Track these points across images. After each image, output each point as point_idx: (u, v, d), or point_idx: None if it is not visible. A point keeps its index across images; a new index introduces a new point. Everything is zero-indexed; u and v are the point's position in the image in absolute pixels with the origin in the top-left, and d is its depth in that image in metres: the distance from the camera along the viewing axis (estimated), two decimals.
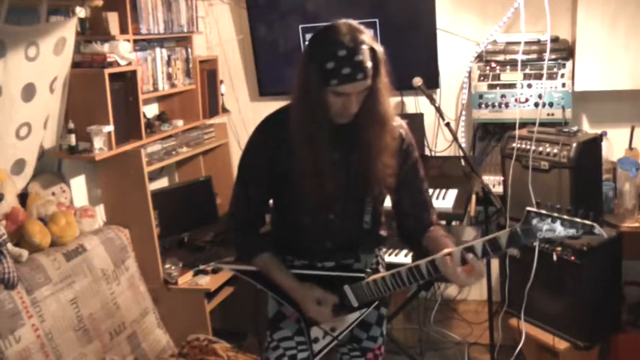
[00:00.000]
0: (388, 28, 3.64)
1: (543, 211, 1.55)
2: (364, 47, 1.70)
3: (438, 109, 2.99)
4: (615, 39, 3.24)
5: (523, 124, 3.23)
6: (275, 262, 1.98)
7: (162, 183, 3.83)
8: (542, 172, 2.98)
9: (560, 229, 1.52)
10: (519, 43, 3.34)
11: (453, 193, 3.25)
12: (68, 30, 2.72)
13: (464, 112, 3.80)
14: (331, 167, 1.84)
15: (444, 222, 3.19)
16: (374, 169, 1.84)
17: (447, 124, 2.96)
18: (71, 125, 2.85)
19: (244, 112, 4.22)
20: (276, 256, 2.00)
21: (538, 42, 3.38)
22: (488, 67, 3.51)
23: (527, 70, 3.42)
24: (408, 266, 1.78)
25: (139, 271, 3.07)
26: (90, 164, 3.11)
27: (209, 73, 3.70)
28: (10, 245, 2.47)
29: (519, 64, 3.35)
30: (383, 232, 2.09)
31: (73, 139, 2.85)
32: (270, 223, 2.13)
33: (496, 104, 3.49)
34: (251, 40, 3.98)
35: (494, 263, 3.42)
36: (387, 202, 2.04)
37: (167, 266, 3.21)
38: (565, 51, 3.38)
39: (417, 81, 3.08)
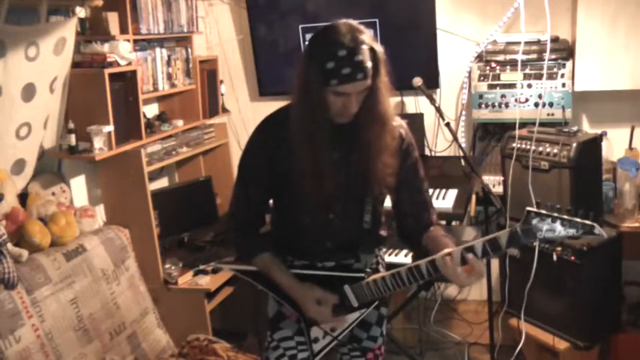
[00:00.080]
0: (388, 28, 3.64)
1: (543, 211, 1.55)
2: (364, 47, 1.70)
3: (438, 109, 2.99)
4: (615, 39, 3.24)
5: (523, 124, 3.23)
6: (275, 262, 1.98)
7: (163, 183, 3.83)
8: (542, 172, 2.98)
9: (560, 229, 1.52)
10: (519, 43, 3.34)
11: (453, 193, 3.25)
12: (68, 30, 2.72)
13: (464, 112, 3.80)
14: (331, 167, 1.84)
15: (443, 222, 3.19)
16: (374, 169, 1.84)
17: (447, 124, 2.96)
18: (71, 125, 2.85)
19: (244, 112, 4.22)
20: (276, 256, 2.00)
21: (538, 42, 3.38)
22: (488, 67, 3.51)
23: (527, 70, 3.42)
24: (408, 266, 1.78)
25: (139, 271, 3.07)
26: (90, 164, 3.11)
27: (209, 73, 3.70)
28: (10, 245, 2.47)
29: (519, 64, 3.35)
30: (383, 232, 2.09)
31: (73, 139, 2.85)
32: (270, 223, 2.13)
33: (496, 104, 3.49)
34: (251, 40, 3.99)
35: (494, 263, 3.42)
36: (387, 202, 2.04)
37: (167, 266, 3.21)
38: (565, 51, 3.38)
39: (417, 81, 3.08)
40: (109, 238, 2.96)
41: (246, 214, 2.03)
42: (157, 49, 3.32)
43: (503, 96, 3.47)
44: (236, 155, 3.90)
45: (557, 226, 1.53)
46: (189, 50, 3.58)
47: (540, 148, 2.98)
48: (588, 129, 3.60)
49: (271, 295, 2.06)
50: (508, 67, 3.46)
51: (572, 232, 1.51)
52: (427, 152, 3.77)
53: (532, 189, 2.95)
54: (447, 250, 1.71)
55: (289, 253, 2.04)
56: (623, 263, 3.08)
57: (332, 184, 1.85)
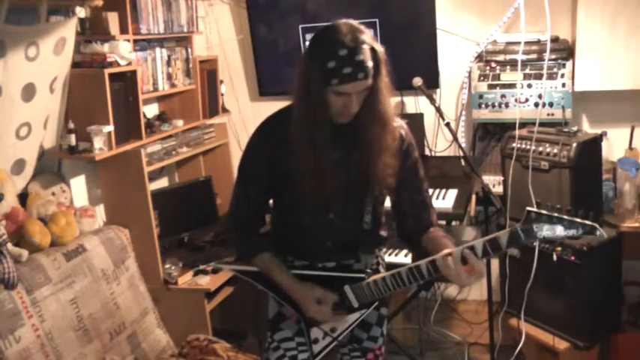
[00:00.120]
0: (388, 28, 3.64)
1: (544, 212, 1.55)
2: (365, 47, 1.70)
3: (438, 109, 3.00)
4: (615, 39, 3.24)
5: (523, 124, 3.23)
6: (275, 262, 1.98)
7: (163, 183, 3.82)
8: (542, 172, 2.98)
9: (560, 230, 1.52)
10: (519, 43, 3.34)
11: (453, 193, 3.25)
12: (68, 30, 2.72)
13: (464, 112, 3.80)
14: (332, 167, 1.84)
15: (443, 222, 3.19)
16: (374, 169, 1.84)
17: (447, 124, 2.96)
18: (71, 125, 2.85)
19: (244, 112, 4.22)
20: (276, 256, 2.00)
21: (538, 42, 3.38)
22: (488, 67, 3.51)
23: (527, 70, 3.42)
24: (408, 266, 1.78)
25: (139, 271, 3.07)
26: (90, 164, 3.11)
27: (209, 73, 3.70)
28: (10, 245, 2.47)
29: (519, 64, 3.35)
30: (383, 233, 2.09)
31: (73, 139, 2.85)
32: (270, 223, 2.13)
33: (496, 104, 3.49)
34: (251, 40, 3.98)
35: (494, 263, 3.42)
36: (388, 203, 2.04)
37: (167, 266, 3.21)
38: (565, 51, 3.38)
39: (417, 81, 3.08)
40: (109, 238, 2.96)
41: (246, 214, 2.03)
42: (157, 49, 3.32)
43: (503, 96, 3.47)
44: (236, 155, 3.90)
45: (558, 226, 1.53)
46: (189, 50, 3.58)
47: (540, 148, 2.98)
48: (588, 129, 3.60)
49: (271, 295, 2.06)
50: (508, 67, 3.47)
51: (572, 232, 1.51)
52: (427, 152, 3.77)
53: (532, 189, 2.95)
54: (447, 251, 1.71)
55: (289, 253, 2.04)
56: (623, 263, 3.08)
57: (332, 183, 1.85)
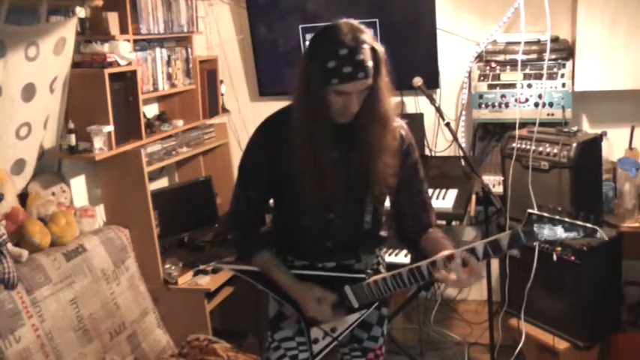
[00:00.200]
0: (388, 28, 3.64)
1: (545, 214, 1.55)
2: (365, 46, 1.71)
3: (438, 109, 2.99)
4: (615, 39, 3.24)
5: (523, 124, 3.23)
6: (275, 262, 1.98)
7: (163, 183, 3.82)
8: (542, 172, 2.98)
9: (561, 232, 1.52)
10: (519, 43, 3.34)
11: (453, 193, 3.25)
12: (68, 30, 2.72)
13: (464, 112, 3.80)
14: (331, 167, 1.84)
15: (443, 222, 3.20)
16: (375, 169, 1.84)
17: (447, 124, 2.96)
18: (71, 125, 2.85)
19: (244, 112, 4.22)
20: (276, 256, 2.00)
21: (538, 42, 3.38)
22: (488, 67, 3.51)
23: (527, 70, 3.42)
24: (408, 267, 1.78)
25: (139, 271, 3.07)
26: (90, 164, 3.11)
27: (209, 73, 3.70)
28: (10, 245, 2.47)
29: (519, 64, 3.35)
30: (383, 233, 2.09)
31: (73, 139, 2.85)
32: (270, 223, 2.13)
33: (496, 104, 3.49)
34: (251, 40, 3.98)
35: (495, 263, 3.42)
36: (387, 203, 2.04)
37: (167, 266, 3.21)
38: (565, 51, 3.38)
39: (417, 81, 3.08)
40: (109, 238, 2.96)
41: (246, 214, 2.03)
42: (157, 49, 3.32)
43: (503, 96, 3.47)
44: (236, 155, 3.90)
45: (559, 228, 1.53)
46: (189, 50, 3.58)
47: (540, 148, 2.98)
48: (588, 129, 3.60)
49: (271, 295, 2.06)
50: (508, 67, 3.47)
51: (573, 235, 1.51)
52: (427, 152, 3.77)
53: (532, 189, 2.95)
54: (447, 252, 1.71)
55: (289, 253, 2.04)
56: (623, 263, 3.08)
57: (332, 183, 1.85)
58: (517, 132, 3.14)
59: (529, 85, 3.41)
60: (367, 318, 1.99)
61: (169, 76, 3.42)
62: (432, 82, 3.60)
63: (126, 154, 3.04)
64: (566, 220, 1.52)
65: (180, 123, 3.55)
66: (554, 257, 2.93)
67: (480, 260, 1.65)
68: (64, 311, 2.61)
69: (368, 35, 1.74)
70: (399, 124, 1.94)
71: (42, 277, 2.57)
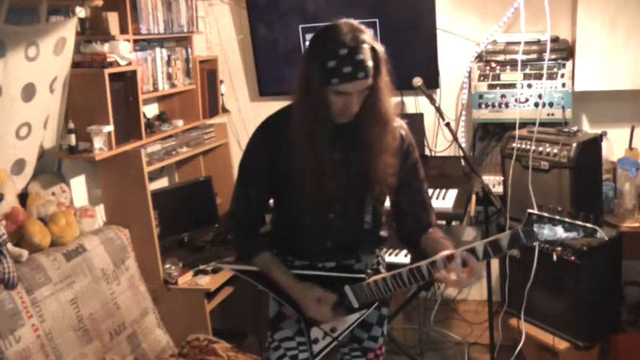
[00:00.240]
0: (388, 28, 3.64)
1: (545, 214, 1.55)
2: (365, 46, 1.71)
3: (438, 109, 2.99)
4: (615, 39, 3.24)
5: (523, 124, 3.23)
6: (275, 262, 1.99)
7: (163, 183, 3.82)
8: (542, 172, 2.98)
9: (561, 232, 1.52)
10: (519, 43, 3.34)
11: (453, 193, 3.25)
12: (68, 30, 2.72)
13: (464, 112, 3.80)
14: (332, 167, 1.84)
15: (443, 222, 3.19)
16: (375, 169, 1.84)
17: (447, 124, 2.95)
18: (71, 125, 2.85)
19: (244, 112, 4.22)
20: (276, 256, 2.00)
21: (538, 42, 3.38)
22: (488, 67, 3.51)
23: (527, 70, 3.42)
24: (408, 267, 1.78)
25: (139, 271, 3.07)
26: (90, 164, 3.11)
27: (209, 73, 3.70)
28: (10, 245, 2.47)
29: (519, 64, 3.35)
30: (383, 233, 2.08)
31: (73, 139, 2.85)
32: (270, 223, 2.13)
33: (496, 104, 3.49)
34: (251, 40, 3.98)
35: (495, 263, 3.42)
36: (387, 203, 2.04)
37: (167, 266, 3.21)
38: (565, 51, 3.38)
39: (417, 81, 3.08)
40: (109, 238, 2.96)
41: (246, 215, 2.03)
42: (157, 49, 3.32)
43: (503, 96, 3.47)
44: (236, 155, 3.90)
45: (559, 228, 1.53)
46: (189, 50, 3.58)
47: (540, 148, 2.98)
48: (588, 129, 3.60)
49: (271, 295, 2.06)
50: (508, 67, 3.47)
51: (573, 235, 1.51)
52: (427, 152, 3.77)
53: (532, 189, 2.95)
54: (447, 252, 1.71)
55: (289, 253, 2.04)
56: (623, 263, 3.08)
57: (332, 183, 1.85)
58: (517, 132, 3.14)
59: (529, 85, 3.41)
60: (367, 318, 1.99)
61: (169, 76, 3.43)
62: (432, 82, 3.60)
63: (126, 154, 3.04)
64: (567, 220, 1.52)
65: (180, 123, 3.55)
66: (554, 257, 2.93)
67: (480, 260, 1.65)
68: (64, 311, 2.61)
69: (368, 35, 1.74)
70: (399, 124, 1.94)
71: (42, 277, 2.57)
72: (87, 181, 3.17)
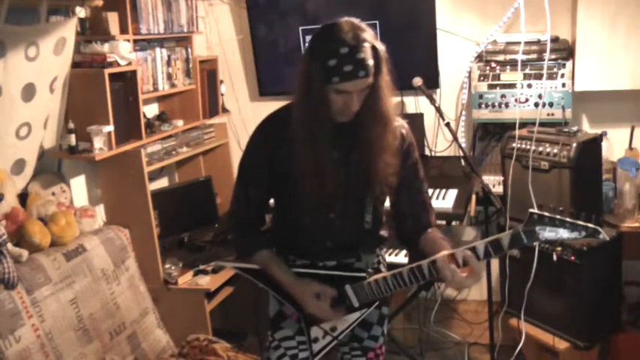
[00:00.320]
0: (388, 28, 3.64)
1: (546, 214, 1.55)
2: (366, 45, 1.71)
3: (438, 109, 3.00)
4: (615, 39, 3.24)
5: (523, 124, 3.23)
6: (274, 260, 1.99)
7: (163, 183, 3.82)
8: (542, 172, 2.98)
9: (562, 232, 1.52)
10: (519, 43, 3.34)
11: (453, 193, 3.25)
12: (68, 30, 2.72)
13: (464, 112, 3.80)
14: (332, 166, 1.84)
15: (443, 222, 3.20)
16: (375, 168, 1.84)
17: (447, 124, 2.96)
18: (71, 125, 2.85)
19: (244, 112, 4.22)
20: (276, 254, 2.01)
21: (538, 42, 3.38)
22: (488, 67, 3.51)
23: (527, 70, 3.42)
24: (409, 266, 1.78)
25: (139, 271, 3.07)
26: (90, 164, 3.11)
27: (209, 73, 3.70)
28: (10, 245, 2.47)
29: (519, 64, 3.35)
30: (384, 233, 2.08)
31: (73, 139, 2.85)
32: (270, 223, 2.13)
33: (496, 104, 3.49)
34: (251, 40, 3.99)
35: (495, 263, 3.42)
36: (387, 203, 2.04)
37: (167, 266, 3.21)
38: (565, 51, 3.38)
39: (417, 81, 3.08)
40: (109, 238, 2.96)
41: (246, 214, 2.03)
42: (157, 49, 3.32)
43: (503, 96, 3.47)
44: (236, 155, 3.90)
45: (560, 229, 1.53)
46: (189, 50, 3.58)
47: (540, 148, 2.98)
48: (588, 129, 3.60)
49: (272, 293, 2.06)
50: (508, 67, 3.47)
51: (574, 235, 1.51)
52: (427, 152, 3.77)
53: (532, 189, 2.95)
54: (448, 251, 1.71)
55: (290, 252, 2.04)
56: (623, 263, 3.09)
57: (332, 183, 1.85)
58: (517, 132, 3.14)
59: (529, 85, 3.41)
60: (368, 317, 1.99)
61: (169, 76, 3.42)
62: (432, 82, 3.60)
63: (126, 154, 3.04)
64: (568, 220, 1.52)
65: (180, 123, 3.55)
66: (554, 257, 2.93)
67: (481, 259, 1.65)
68: (64, 311, 2.61)
69: (369, 34, 1.74)
70: (400, 124, 1.94)
71: (42, 277, 2.57)
72: (87, 181, 3.17)
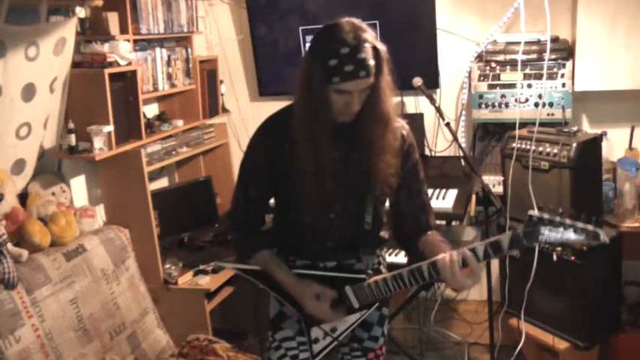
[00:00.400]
0: (388, 28, 3.64)
1: (545, 216, 1.55)
2: (367, 45, 1.71)
3: (438, 109, 3.00)
4: (615, 39, 3.24)
5: (523, 124, 3.23)
6: (274, 260, 1.99)
7: (163, 183, 3.82)
8: (542, 172, 2.98)
9: (562, 234, 1.52)
10: (519, 43, 3.34)
11: (453, 193, 3.25)
12: (68, 30, 2.72)
13: (464, 112, 3.80)
14: (332, 166, 1.84)
15: (443, 222, 3.20)
16: (376, 168, 1.84)
17: (447, 124, 2.96)
18: (71, 125, 2.85)
19: (244, 112, 4.22)
20: (276, 254, 2.01)
21: (538, 42, 3.38)
22: (488, 67, 3.51)
23: (527, 70, 3.42)
24: (409, 268, 1.78)
25: (139, 271, 3.07)
26: (90, 164, 3.11)
27: (209, 73, 3.70)
28: (10, 245, 2.47)
29: (519, 64, 3.35)
30: (384, 233, 2.08)
31: (73, 139, 2.85)
32: (270, 223, 2.13)
33: (496, 104, 3.49)
34: (251, 40, 3.98)
35: (495, 263, 3.42)
36: (388, 204, 2.04)
37: (167, 266, 3.21)
38: (565, 51, 3.38)
39: (417, 81, 3.08)
40: (109, 238, 2.96)
41: (246, 215, 2.03)
42: (157, 49, 3.32)
43: (503, 96, 3.47)
44: (236, 155, 3.91)
45: (560, 230, 1.52)
46: (189, 50, 3.58)
47: (540, 148, 2.98)
48: (588, 129, 3.60)
49: (272, 294, 2.06)
50: (508, 67, 3.47)
51: (574, 237, 1.50)
52: (427, 152, 3.77)
53: (532, 189, 2.95)
54: (448, 253, 1.71)
55: (290, 252, 2.04)
56: (623, 263, 3.09)
57: (333, 183, 1.85)
58: (517, 132, 3.14)
59: (529, 85, 3.41)
60: (368, 318, 1.99)
61: (169, 76, 3.42)
62: (432, 82, 3.60)
63: (126, 154, 3.04)
64: (567, 221, 1.52)
65: (180, 123, 3.55)
66: (554, 257, 2.93)
67: (481, 261, 1.65)
68: (64, 311, 2.61)
69: (370, 34, 1.74)
70: (401, 125, 1.94)
71: (42, 277, 2.57)
72: (87, 181, 3.17)
